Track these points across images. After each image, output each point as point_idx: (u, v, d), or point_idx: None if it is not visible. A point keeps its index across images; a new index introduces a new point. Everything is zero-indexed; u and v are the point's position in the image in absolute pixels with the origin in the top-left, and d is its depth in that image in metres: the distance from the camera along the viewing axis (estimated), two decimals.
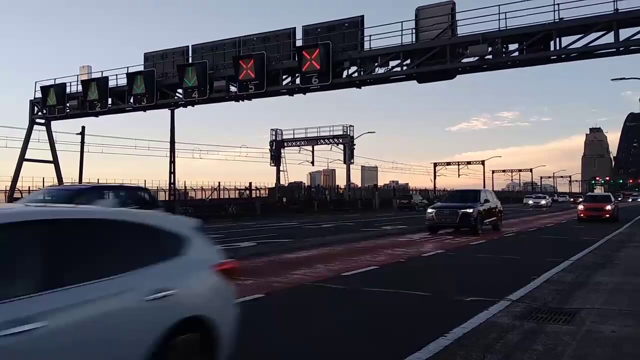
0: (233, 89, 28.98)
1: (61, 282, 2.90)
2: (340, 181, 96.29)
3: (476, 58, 24.13)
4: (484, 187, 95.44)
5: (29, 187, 41.08)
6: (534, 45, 23.24)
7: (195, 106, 31.57)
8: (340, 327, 6.17)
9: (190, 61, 30.08)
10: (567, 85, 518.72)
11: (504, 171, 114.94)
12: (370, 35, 26.12)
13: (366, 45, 26.11)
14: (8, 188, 36.42)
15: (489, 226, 20.31)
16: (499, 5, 23.28)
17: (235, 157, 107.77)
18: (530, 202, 58.75)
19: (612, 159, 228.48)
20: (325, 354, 5.23)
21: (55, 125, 36.19)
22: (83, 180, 37.70)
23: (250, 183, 51.40)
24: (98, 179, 48.01)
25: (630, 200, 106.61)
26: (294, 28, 27.85)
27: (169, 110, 35.07)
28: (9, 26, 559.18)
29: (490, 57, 23.80)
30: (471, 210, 18.77)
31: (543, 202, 58.85)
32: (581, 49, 22.69)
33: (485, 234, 19.45)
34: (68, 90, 33.56)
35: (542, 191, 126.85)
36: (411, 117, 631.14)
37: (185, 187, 48.15)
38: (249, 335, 5.82)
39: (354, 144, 53.53)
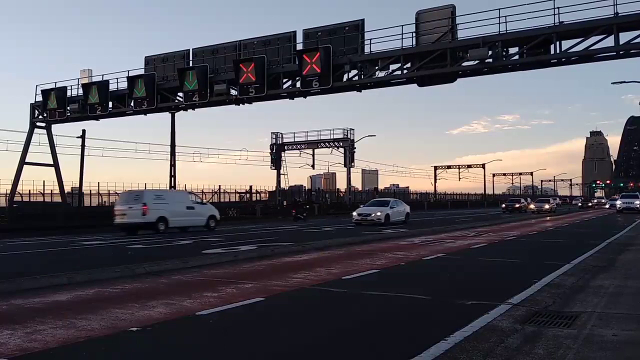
0: (234, 92, 29.04)
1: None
2: (341, 184, 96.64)
3: (476, 61, 24.20)
4: (485, 191, 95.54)
5: (30, 190, 41.18)
6: (534, 49, 23.30)
7: (195, 109, 31.63)
8: (339, 331, 6.15)
9: (190, 64, 30.16)
10: (568, 89, 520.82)
11: (504, 174, 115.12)
12: (370, 39, 26.23)
13: (367, 49, 26.19)
14: (9, 192, 36.45)
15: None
16: (499, 9, 23.41)
17: (235, 160, 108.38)
18: (355, 214, 30.52)
19: (613, 162, 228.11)
20: (324, 357, 5.21)
21: (55, 128, 36.27)
22: (84, 184, 37.81)
23: (250, 186, 51.57)
24: (98, 182, 48.23)
25: (607, 206, 68.72)
26: (295, 32, 27.94)
27: (170, 114, 35.16)
28: (10, 29, 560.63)
29: (490, 60, 23.85)
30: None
31: (379, 213, 29.09)
32: (581, 52, 22.74)
33: (485, 237, 19.67)
34: (69, 93, 33.64)
35: (542, 195, 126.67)
36: (412, 121, 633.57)
37: (185, 190, 48.22)
38: (247, 338, 5.81)
39: (355, 148, 53.59)
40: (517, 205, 52.65)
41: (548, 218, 38.34)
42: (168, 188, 36.56)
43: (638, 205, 46.47)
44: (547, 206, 49.99)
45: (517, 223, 31.68)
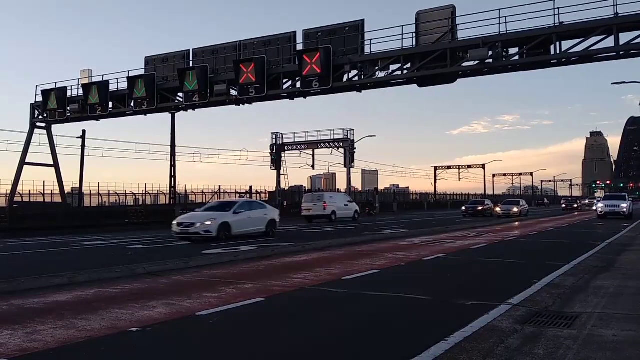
0: (234, 92, 29.04)
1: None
2: (341, 185, 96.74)
3: (477, 62, 24.19)
4: (485, 191, 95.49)
5: (30, 190, 41.19)
6: (534, 49, 23.30)
7: (195, 110, 31.61)
8: (339, 331, 6.15)
9: (191, 65, 30.15)
10: (568, 89, 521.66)
11: (504, 175, 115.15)
12: (370, 39, 26.23)
13: (367, 49, 26.18)
14: (9, 192, 36.46)
15: None
16: (499, 10, 23.40)
17: (235, 160, 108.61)
18: (175, 224, 19.47)
19: (613, 162, 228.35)
20: (324, 357, 5.21)
21: (55, 128, 36.25)
22: (84, 184, 37.85)
23: (250, 187, 51.50)
24: (99, 183, 48.22)
25: (594, 208, 51.62)
26: (295, 32, 27.94)
27: (170, 114, 35.16)
28: (10, 29, 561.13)
29: (490, 61, 23.85)
30: None
31: (208, 223, 18.73)
32: (581, 52, 22.73)
33: (485, 238, 19.66)
34: (69, 94, 33.64)
35: (542, 195, 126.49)
36: (412, 121, 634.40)
37: (185, 190, 48.26)
38: (247, 338, 5.82)
39: (355, 148, 53.52)
40: (480, 208, 45.07)
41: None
42: (168, 189, 36.66)
43: (625, 210, 35.71)
44: (515, 209, 42.92)
45: (517, 224, 31.71)
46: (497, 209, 43.85)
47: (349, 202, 38.08)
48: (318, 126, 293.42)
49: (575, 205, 66.77)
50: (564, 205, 67.22)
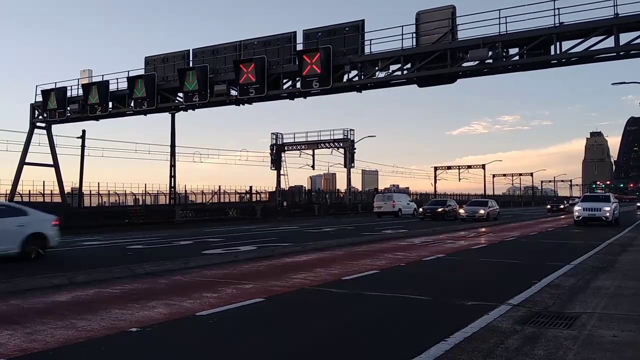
0: (234, 92, 29.01)
1: None
2: (341, 185, 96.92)
3: (477, 62, 24.17)
4: (485, 191, 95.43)
5: (29, 190, 41.21)
6: (535, 50, 23.28)
7: (195, 110, 31.58)
8: (339, 331, 6.15)
9: (191, 65, 30.13)
10: (568, 89, 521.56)
11: (504, 175, 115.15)
12: (370, 40, 26.19)
13: (367, 50, 26.15)
14: (9, 192, 36.46)
15: None
16: (499, 10, 23.39)
17: (235, 161, 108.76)
18: None
19: (613, 162, 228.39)
20: (324, 357, 5.21)
21: (55, 128, 36.24)
22: (84, 184, 37.87)
23: (250, 187, 51.63)
24: (98, 183, 48.22)
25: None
26: (295, 32, 27.90)
27: (170, 114, 35.17)
28: (10, 29, 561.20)
29: (490, 61, 23.83)
30: None
31: None
32: (581, 53, 22.72)
33: (485, 238, 19.69)
34: (69, 94, 33.61)
35: (543, 196, 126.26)
36: (412, 121, 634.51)
37: (185, 190, 48.33)
38: (247, 338, 5.82)
39: (355, 148, 53.58)
40: (440, 210, 38.07)
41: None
42: (168, 189, 36.71)
43: (608, 214, 27.74)
44: (482, 211, 35.32)
45: (517, 224, 31.72)
46: (461, 211, 37.08)
47: (410, 201, 47.26)
48: (318, 126, 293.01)
49: (562, 207, 59.81)
50: (549, 207, 61.54)
